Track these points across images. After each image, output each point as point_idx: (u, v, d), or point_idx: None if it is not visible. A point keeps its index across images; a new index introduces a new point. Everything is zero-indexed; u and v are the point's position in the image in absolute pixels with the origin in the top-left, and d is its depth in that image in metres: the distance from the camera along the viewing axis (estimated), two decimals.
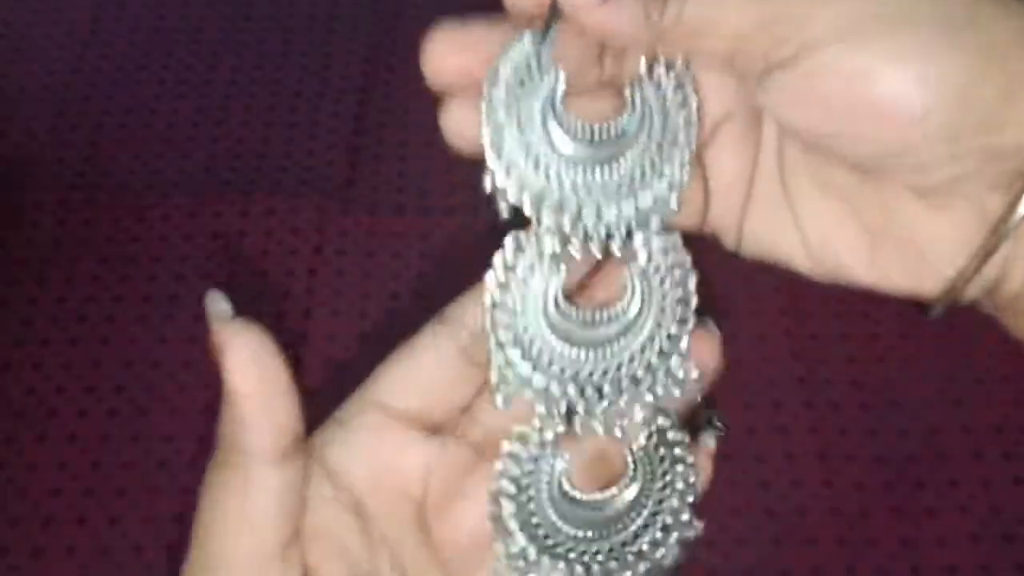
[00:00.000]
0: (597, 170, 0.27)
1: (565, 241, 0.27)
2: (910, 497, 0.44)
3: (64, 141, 0.56)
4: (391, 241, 0.52)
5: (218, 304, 0.26)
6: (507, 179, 0.27)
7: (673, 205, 0.27)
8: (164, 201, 0.53)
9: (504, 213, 0.27)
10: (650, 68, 0.27)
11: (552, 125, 0.27)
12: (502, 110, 0.27)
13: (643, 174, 0.27)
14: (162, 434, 0.46)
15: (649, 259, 0.27)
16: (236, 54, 0.59)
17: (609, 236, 0.27)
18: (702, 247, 0.55)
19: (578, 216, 0.27)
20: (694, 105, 0.27)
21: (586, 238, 0.27)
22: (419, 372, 0.28)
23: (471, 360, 0.27)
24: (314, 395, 0.47)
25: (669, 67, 0.27)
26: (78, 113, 0.57)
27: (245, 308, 0.52)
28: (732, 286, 0.50)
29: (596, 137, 0.28)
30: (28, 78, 0.59)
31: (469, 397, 0.28)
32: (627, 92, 0.27)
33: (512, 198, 0.27)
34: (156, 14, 0.62)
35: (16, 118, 0.57)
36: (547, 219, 0.27)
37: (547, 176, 0.27)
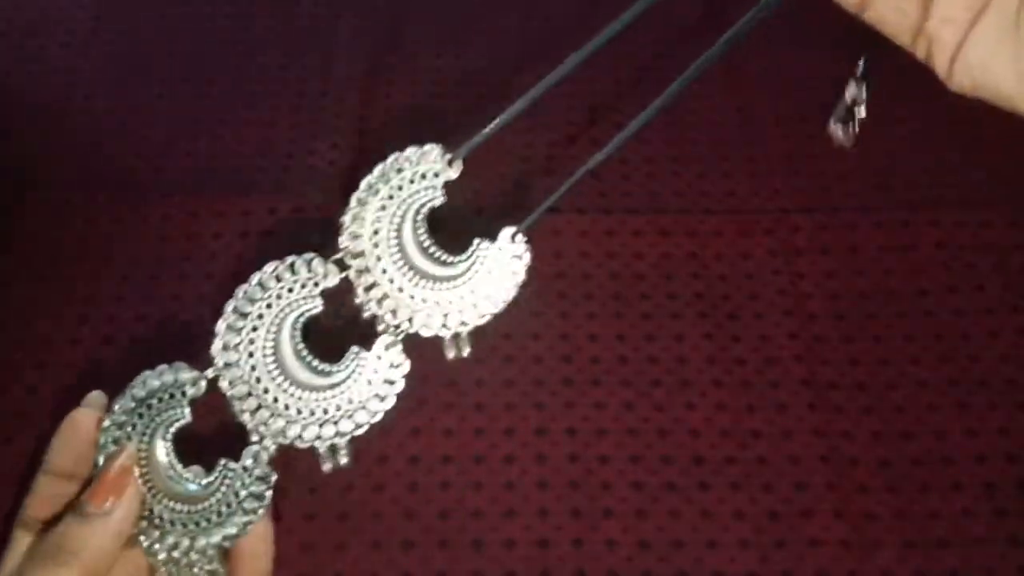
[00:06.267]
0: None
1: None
2: (914, 500, 0.44)
3: (64, 141, 0.56)
4: None
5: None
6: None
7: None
8: (165, 201, 0.53)
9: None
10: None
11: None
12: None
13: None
14: None
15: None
16: (237, 53, 0.59)
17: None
18: (710, 252, 0.55)
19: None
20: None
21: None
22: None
23: None
24: None
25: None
26: (78, 113, 0.57)
27: None
28: (735, 289, 0.50)
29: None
30: (28, 78, 0.59)
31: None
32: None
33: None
34: (157, 14, 0.62)
35: (16, 118, 0.57)
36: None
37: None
